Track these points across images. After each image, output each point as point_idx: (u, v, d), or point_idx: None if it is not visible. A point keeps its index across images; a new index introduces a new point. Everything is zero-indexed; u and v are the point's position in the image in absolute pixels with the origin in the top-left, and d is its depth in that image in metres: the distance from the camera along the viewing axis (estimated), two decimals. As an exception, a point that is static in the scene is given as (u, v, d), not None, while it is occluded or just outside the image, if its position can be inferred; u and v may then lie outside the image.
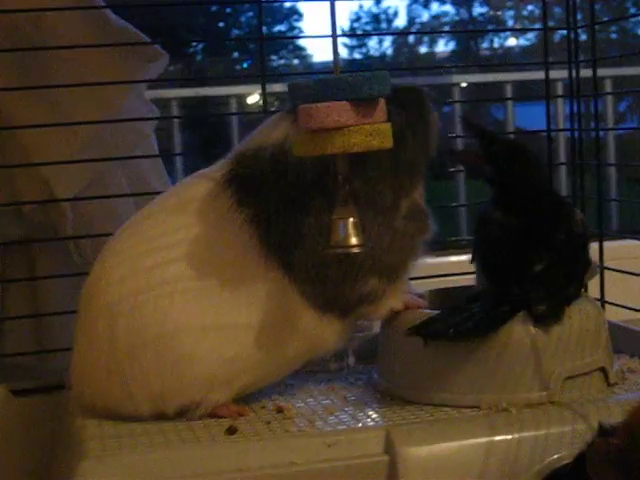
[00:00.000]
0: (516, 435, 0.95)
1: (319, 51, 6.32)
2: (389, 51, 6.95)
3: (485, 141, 1.11)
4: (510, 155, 1.11)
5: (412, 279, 1.13)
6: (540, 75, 1.40)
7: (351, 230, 0.91)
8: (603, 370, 1.06)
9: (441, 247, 1.50)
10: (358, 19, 6.91)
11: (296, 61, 6.37)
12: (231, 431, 0.97)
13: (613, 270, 1.29)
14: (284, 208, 1.00)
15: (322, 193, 0.99)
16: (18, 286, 1.32)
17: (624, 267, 1.27)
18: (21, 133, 1.22)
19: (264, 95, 1.28)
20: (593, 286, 1.27)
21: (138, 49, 1.25)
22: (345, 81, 0.87)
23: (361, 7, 6.74)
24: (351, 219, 0.91)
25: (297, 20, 6.67)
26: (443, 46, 6.87)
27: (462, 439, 0.94)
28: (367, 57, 6.68)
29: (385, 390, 1.08)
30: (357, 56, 6.66)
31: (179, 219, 1.02)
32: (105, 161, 1.22)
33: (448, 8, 7.22)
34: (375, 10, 6.92)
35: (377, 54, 6.74)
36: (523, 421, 0.96)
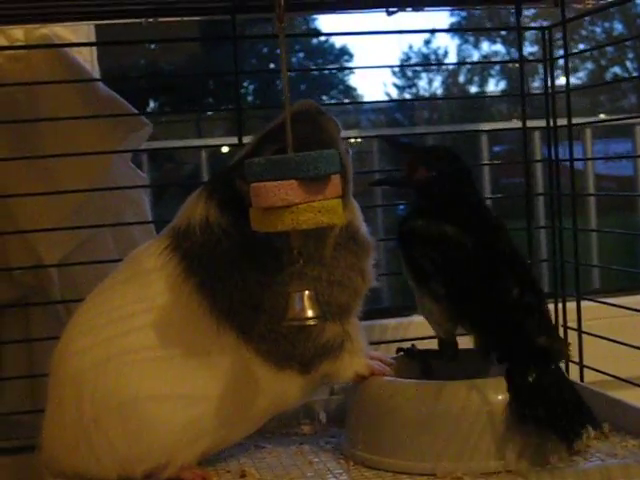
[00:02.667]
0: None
1: (370, 91, 6.32)
2: (439, 91, 6.94)
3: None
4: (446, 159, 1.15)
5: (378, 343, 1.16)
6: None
7: (307, 303, 0.93)
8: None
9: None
10: (408, 59, 6.91)
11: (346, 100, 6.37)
12: (191, 498, 1.00)
13: (590, 334, 1.29)
14: (227, 275, 1.04)
15: (259, 254, 1.03)
16: (14, 346, 1.36)
17: (602, 327, 1.28)
18: (12, 200, 1.26)
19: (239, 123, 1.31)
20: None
21: (123, 119, 1.30)
22: (293, 160, 0.91)
23: (411, 47, 6.74)
24: (307, 292, 0.94)
25: (348, 60, 6.70)
26: (493, 86, 6.85)
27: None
28: (416, 96, 6.63)
29: (349, 455, 1.10)
30: (407, 96, 6.62)
31: (134, 291, 1.06)
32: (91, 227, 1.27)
33: (499, 47, 7.21)
34: (425, 50, 6.92)
35: (427, 94, 6.69)
36: (476, 492, 0.98)
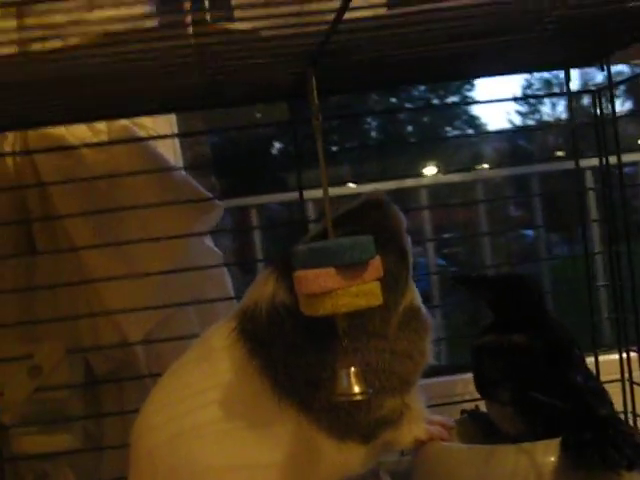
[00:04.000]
0: None
1: (494, 119, 6.29)
2: (563, 115, 6.84)
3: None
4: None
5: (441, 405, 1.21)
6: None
7: (353, 379, 1.00)
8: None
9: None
10: (530, 86, 6.82)
11: (470, 131, 6.35)
12: None
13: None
14: (287, 355, 1.11)
15: (322, 341, 1.08)
16: (112, 418, 1.47)
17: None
18: (100, 284, 1.38)
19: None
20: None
21: (197, 203, 1.39)
22: (330, 249, 0.98)
23: (532, 74, 6.67)
24: (352, 369, 1.00)
25: (469, 90, 6.69)
26: (620, 106, 6.74)
27: None
28: (540, 122, 6.56)
29: (413, 516, 1.16)
30: (530, 122, 6.56)
31: (205, 369, 1.15)
32: (174, 305, 1.37)
33: (623, 68, 7.10)
34: (547, 75, 6.84)
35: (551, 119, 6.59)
36: None
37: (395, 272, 1.14)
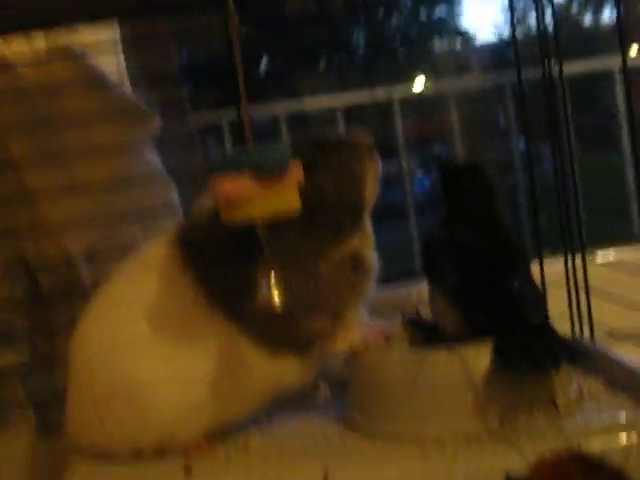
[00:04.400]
0: (446, 468, 1.00)
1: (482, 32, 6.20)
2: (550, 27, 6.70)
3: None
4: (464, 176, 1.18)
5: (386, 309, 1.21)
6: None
7: (273, 287, 1.00)
8: (551, 399, 1.09)
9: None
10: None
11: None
12: (187, 470, 1.08)
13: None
14: (221, 265, 1.10)
15: (250, 249, 1.06)
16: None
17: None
18: (39, 198, 1.36)
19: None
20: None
21: (133, 115, 1.38)
22: (245, 155, 0.97)
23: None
24: (273, 278, 1.00)
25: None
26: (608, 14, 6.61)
27: (394, 472, 1.02)
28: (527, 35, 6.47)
29: (350, 423, 1.16)
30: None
31: (140, 281, 1.15)
32: (115, 218, 1.36)
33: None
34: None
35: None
36: (456, 454, 1.02)
37: (339, 217, 1.13)
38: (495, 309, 1.11)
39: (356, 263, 1.14)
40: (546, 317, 1.14)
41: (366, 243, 1.16)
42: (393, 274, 1.48)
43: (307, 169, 1.06)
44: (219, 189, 0.96)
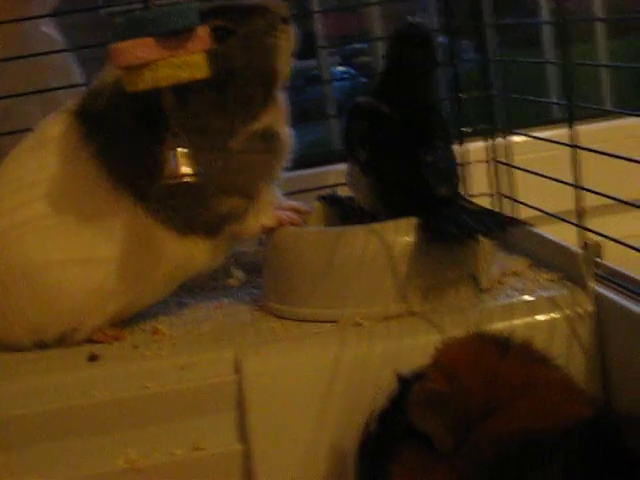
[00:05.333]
0: (364, 348, 0.97)
1: None
2: None
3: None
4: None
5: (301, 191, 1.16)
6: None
7: (181, 160, 0.93)
8: (473, 277, 1.06)
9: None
10: None
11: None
12: (92, 358, 1.02)
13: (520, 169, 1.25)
14: (125, 140, 1.03)
15: (156, 123, 0.99)
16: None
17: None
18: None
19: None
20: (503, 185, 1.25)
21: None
22: (147, 18, 0.89)
23: None
24: (180, 150, 0.93)
25: None
26: None
27: (309, 356, 0.98)
28: None
29: (263, 306, 1.11)
30: None
31: (37, 159, 1.07)
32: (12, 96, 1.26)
33: None
34: None
35: None
36: (374, 334, 0.98)
37: (250, 89, 1.05)
38: (408, 183, 1.07)
39: (268, 140, 1.07)
40: (456, 191, 1.10)
41: (279, 118, 1.09)
42: (311, 157, 1.41)
43: (217, 35, 1.00)
44: (120, 54, 0.89)
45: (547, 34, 1.76)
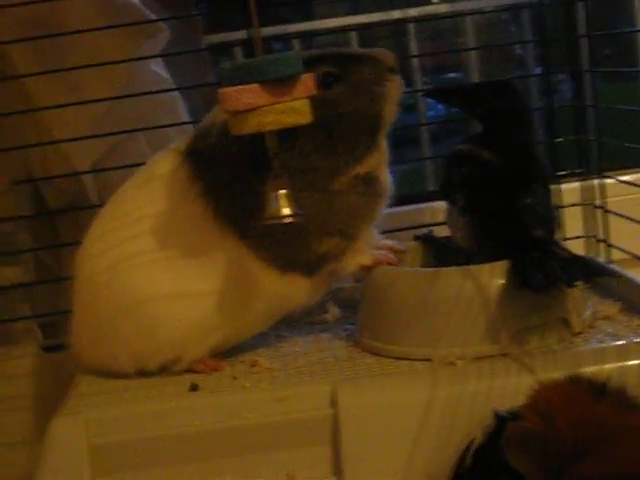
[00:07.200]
0: (457, 387, 0.99)
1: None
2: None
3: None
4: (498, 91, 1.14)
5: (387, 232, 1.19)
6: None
7: (282, 202, 0.97)
8: (565, 320, 1.07)
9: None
10: None
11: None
12: (194, 388, 1.06)
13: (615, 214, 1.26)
14: (231, 180, 1.07)
15: (260, 165, 1.03)
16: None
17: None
18: (46, 113, 1.33)
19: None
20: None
21: (140, 26, 1.33)
22: (253, 65, 0.93)
23: None
24: (282, 191, 0.97)
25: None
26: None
27: (403, 392, 1.00)
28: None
29: (359, 343, 1.14)
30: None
31: (146, 195, 1.11)
32: (120, 133, 1.32)
33: None
34: None
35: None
36: (467, 373, 1.00)
37: (356, 134, 1.09)
38: (505, 224, 1.09)
39: (370, 183, 1.11)
40: (552, 235, 1.11)
41: (381, 164, 1.12)
42: (406, 196, 1.45)
43: (325, 81, 1.04)
44: (227, 99, 0.93)
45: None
